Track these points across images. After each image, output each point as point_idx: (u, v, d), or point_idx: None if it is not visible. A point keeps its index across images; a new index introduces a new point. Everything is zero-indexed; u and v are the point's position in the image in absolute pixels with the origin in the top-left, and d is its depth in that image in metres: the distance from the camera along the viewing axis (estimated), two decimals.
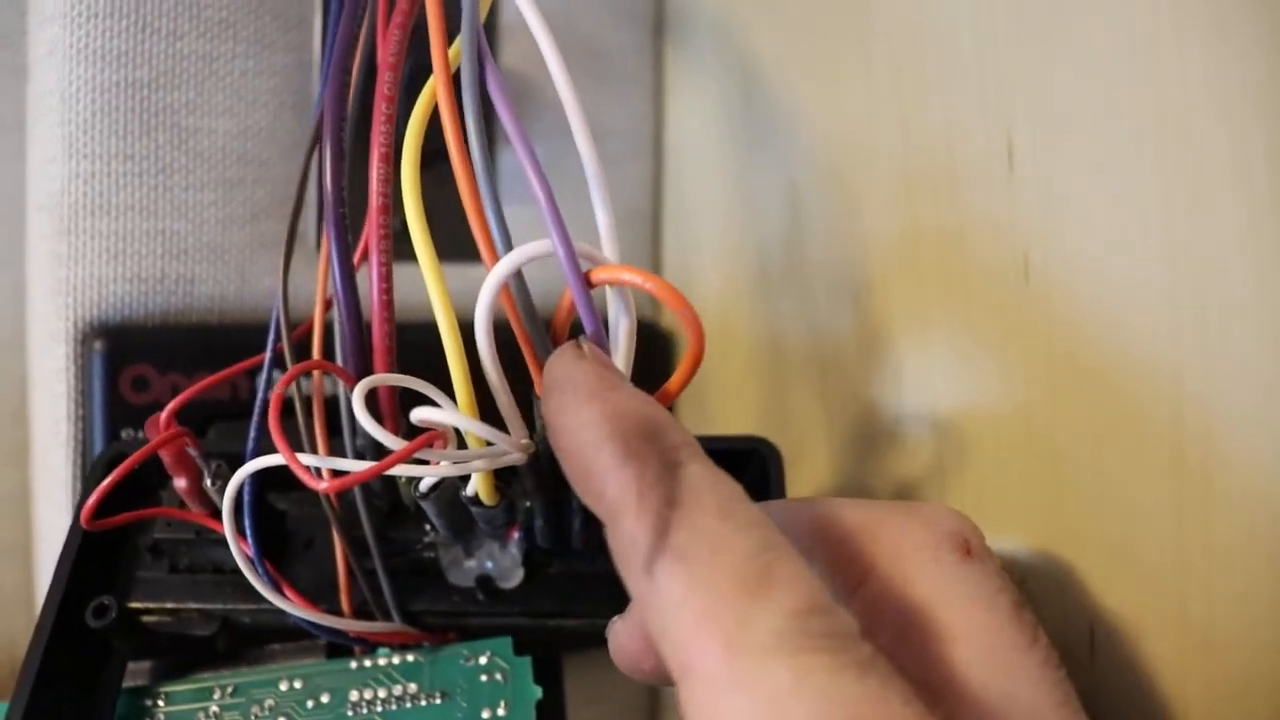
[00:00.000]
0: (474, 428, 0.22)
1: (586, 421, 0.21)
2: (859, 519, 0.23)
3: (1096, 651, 0.26)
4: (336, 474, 0.21)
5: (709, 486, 0.20)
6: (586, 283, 0.21)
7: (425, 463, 0.23)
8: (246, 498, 0.26)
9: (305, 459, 0.21)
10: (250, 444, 0.27)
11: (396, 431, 0.25)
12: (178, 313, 0.39)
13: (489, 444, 0.23)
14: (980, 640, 0.20)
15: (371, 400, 0.24)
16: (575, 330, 0.22)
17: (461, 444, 0.23)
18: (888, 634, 0.21)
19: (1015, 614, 0.21)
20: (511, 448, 0.23)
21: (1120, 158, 0.25)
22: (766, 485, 0.30)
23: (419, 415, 0.22)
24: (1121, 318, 0.25)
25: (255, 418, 0.27)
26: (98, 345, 0.37)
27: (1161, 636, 0.25)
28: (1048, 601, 0.27)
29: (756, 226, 0.41)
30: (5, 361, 0.42)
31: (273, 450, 0.22)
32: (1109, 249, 0.25)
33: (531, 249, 0.21)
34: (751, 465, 0.30)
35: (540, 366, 0.23)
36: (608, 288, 0.22)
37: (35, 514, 0.41)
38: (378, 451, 0.23)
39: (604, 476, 0.20)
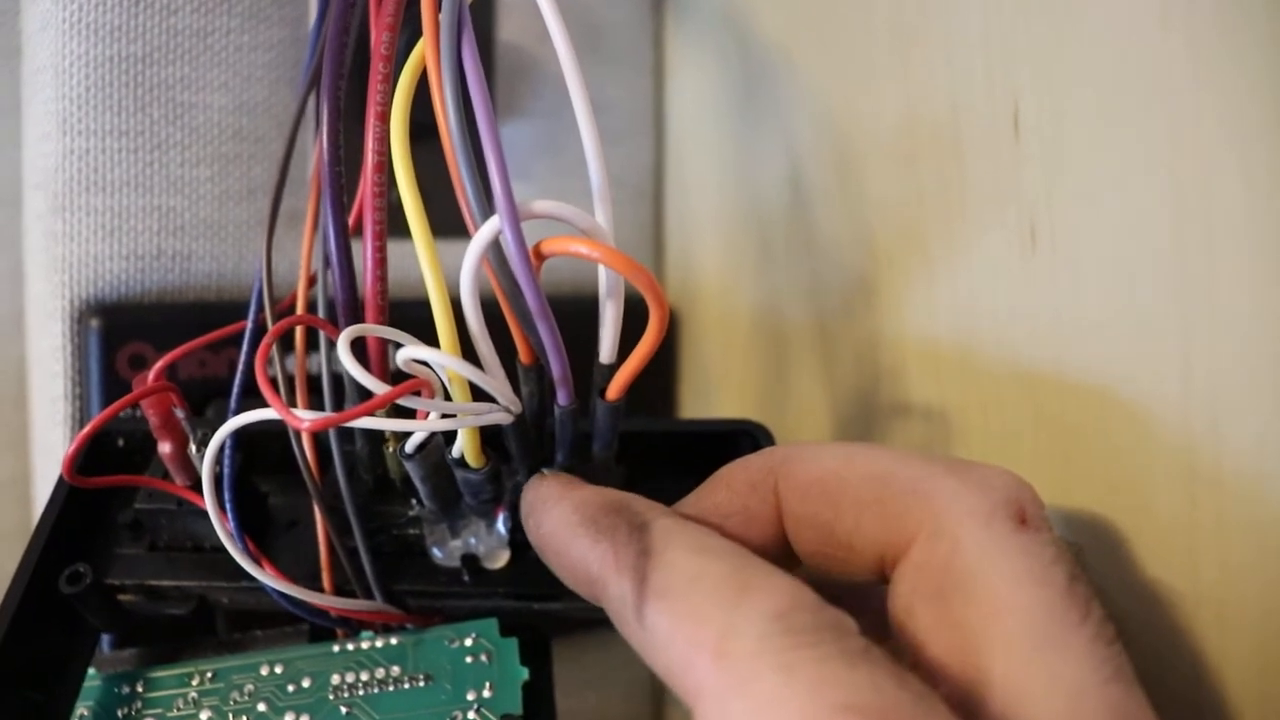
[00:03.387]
0: (459, 366, 0.22)
1: (558, 520, 0.23)
2: (913, 476, 0.22)
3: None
4: None
5: (678, 530, 0.21)
6: (537, 256, 0.21)
7: (411, 414, 0.23)
8: (226, 469, 0.26)
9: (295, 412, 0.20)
10: (232, 408, 0.26)
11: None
12: (174, 290, 0.38)
13: (474, 391, 0.23)
14: (1026, 616, 0.19)
15: (360, 360, 0.24)
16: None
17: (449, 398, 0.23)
18: (932, 602, 0.21)
19: (1067, 588, 0.20)
20: (496, 393, 0.23)
21: (1128, 128, 0.24)
22: None
23: (405, 354, 0.21)
24: (1130, 289, 0.25)
25: (237, 383, 0.27)
26: (94, 323, 0.36)
27: (1174, 614, 0.24)
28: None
29: (758, 202, 0.40)
30: (5, 345, 0.42)
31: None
32: (1117, 219, 0.25)
33: (492, 226, 0.20)
34: (744, 448, 0.30)
35: (524, 336, 0.23)
36: (599, 268, 0.22)
37: (35, 496, 0.41)
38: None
39: (585, 559, 0.22)
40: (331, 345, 0.24)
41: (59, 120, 0.37)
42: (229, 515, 0.26)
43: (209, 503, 0.25)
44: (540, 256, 0.21)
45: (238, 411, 0.26)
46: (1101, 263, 0.25)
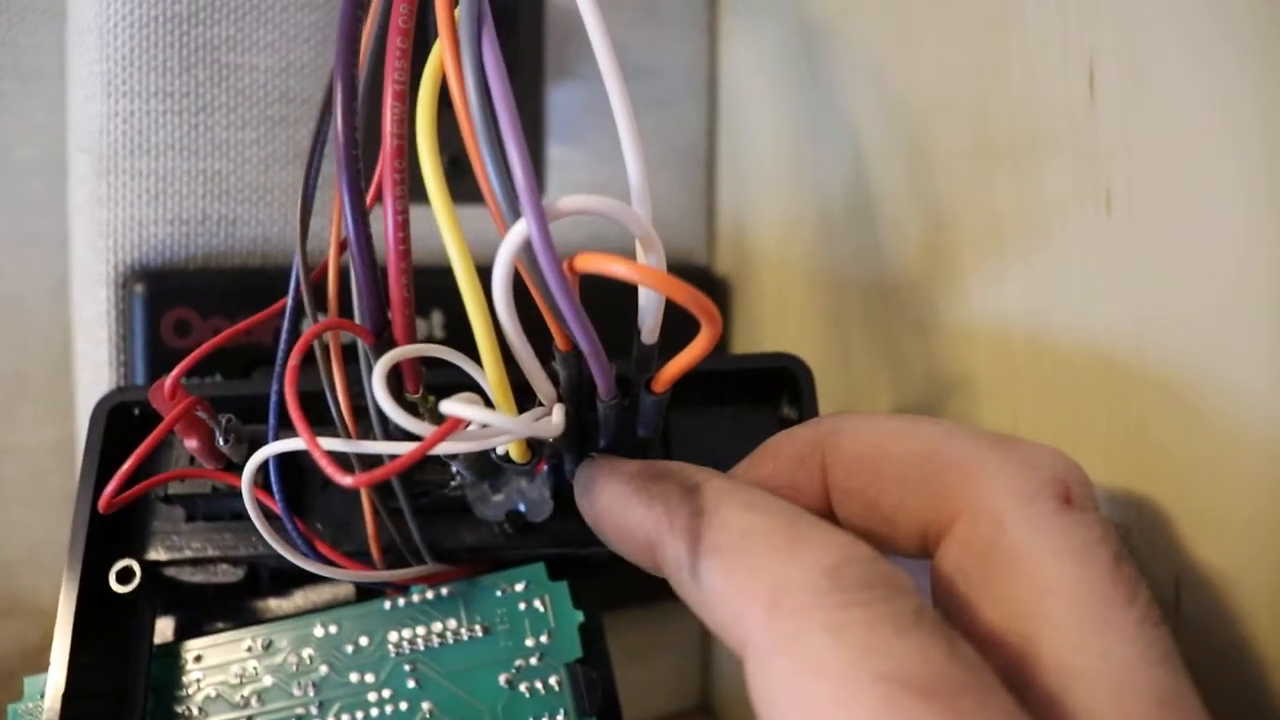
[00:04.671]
0: (508, 424, 0.21)
1: (612, 494, 0.23)
2: (958, 452, 0.22)
3: (1182, 604, 0.24)
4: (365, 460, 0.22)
5: (730, 490, 0.22)
6: (571, 271, 0.20)
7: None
8: (271, 463, 0.26)
9: (329, 443, 0.20)
10: (272, 411, 0.26)
11: (417, 388, 0.24)
12: (220, 255, 0.38)
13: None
14: (1071, 595, 0.19)
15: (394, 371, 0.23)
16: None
17: (491, 405, 0.23)
18: (975, 580, 0.20)
19: (1113, 568, 0.19)
20: (542, 429, 0.22)
21: (1214, 86, 0.23)
22: (799, 404, 0.29)
23: (449, 408, 0.20)
24: (1214, 252, 0.23)
25: (274, 383, 0.26)
26: (138, 289, 0.36)
27: (1253, 593, 0.23)
28: (1131, 547, 0.26)
29: (817, 167, 0.39)
30: (52, 310, 0.41)
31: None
32: (1199, 179, 0.23)
33: (521, 229, 0.19)
34: (782, 383, 0.29)
35: (559, 326, 0.22)
36: (636, 243, 0.21)
37: (79, 463, 0.41)
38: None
39: (641, 525, 0.22)
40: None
41: (103, 82, 0.36)
42: (279, 504, 0.26)
43: (259, 524, 0.24)
44: (574, 271, 0.20)
45: (277, 405, 0.26)
46: (1185, 230, 0.24)
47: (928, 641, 0.17)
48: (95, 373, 0.37)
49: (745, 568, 0.19)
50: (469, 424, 0.21)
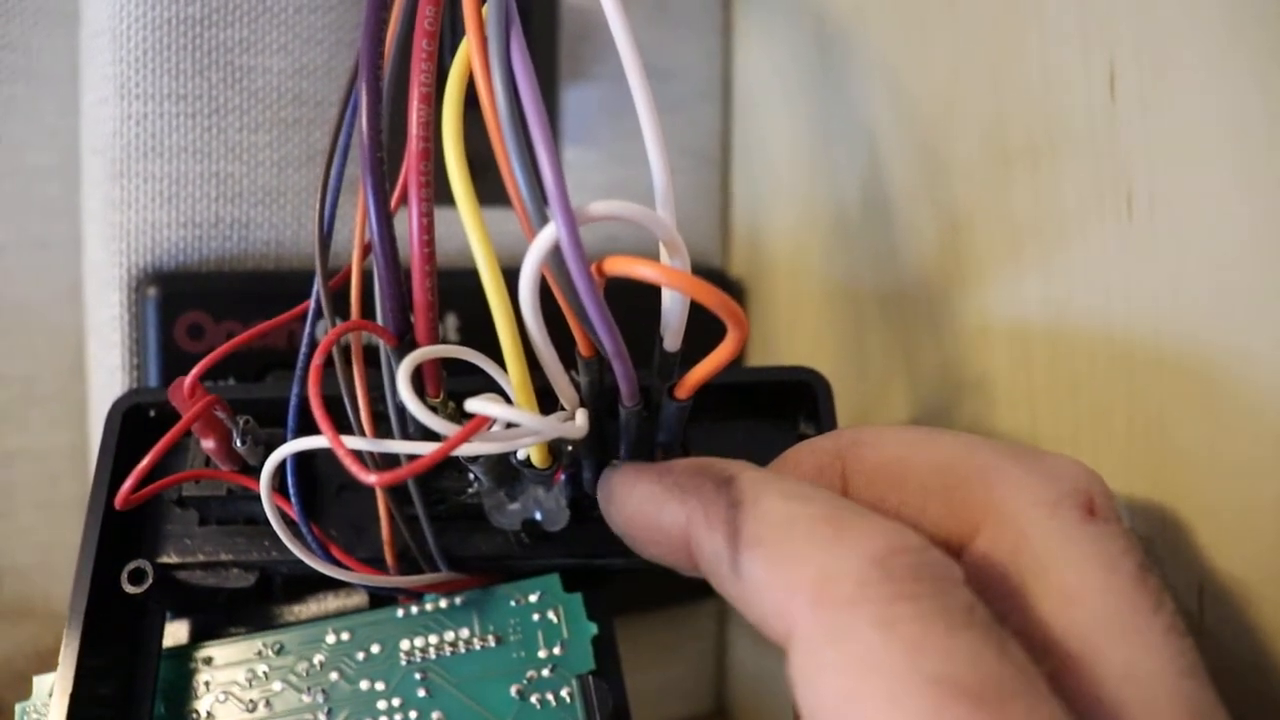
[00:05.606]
0: (534, 423, 0.21)
1: (642, 495, 0.23)
2: (979, 464, 0.22)
3: (1206, 611, 0.24)
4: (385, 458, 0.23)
5: (767, 480, 0.21)
6: (599, 273, 0.20)
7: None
8: (289, 464, 0.26)
9: (351, 442, 0.20)
10: (291, 413, 0.26)
11: (438, 391, 0.24)
12: (233, 258, 0.37)
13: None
14: (1096, 604, 0.19)
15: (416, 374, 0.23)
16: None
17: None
18: (999, 591, 0.20)
19: (1139, 578, 0.19)
20: (568, 430, 0.22)
21: (1239, 86, 0.23)
22: (816, 417, 0.28)
23: (476, 406, 0.20)
24: (1236, 257, 0.23)
25: (295, 384, 0.26)
26: (151, 292, 0.36)
27: (1277, 602, 0.23)
28: (1154, 558, 0.25)
29: (833, 169, 0.39)
30: (65, 314, 0.41)
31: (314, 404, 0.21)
32: (1222, 182, 0.23)
33: (550, 234, 0.19)
34: (800, 397, 0.29)
35: (583, 331, 0.22)
36: (660, 247, 0.21)
37: (93, 467, 0.41)
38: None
39: (676, 523, 0.22)
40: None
41: (117, 84, 0.36)
42: (296, 511, 0.26)
43: (275, 524, 0.24)
44: (602, 274, 0.20)
45: (297, 408, 0.25)
46: (1205, 232, 0.24)
47: (979, 642, 0.17)
48: (108, 376, 0.37)
49: (789, 558, 0.19)
50: (493, 424, 0.21)
